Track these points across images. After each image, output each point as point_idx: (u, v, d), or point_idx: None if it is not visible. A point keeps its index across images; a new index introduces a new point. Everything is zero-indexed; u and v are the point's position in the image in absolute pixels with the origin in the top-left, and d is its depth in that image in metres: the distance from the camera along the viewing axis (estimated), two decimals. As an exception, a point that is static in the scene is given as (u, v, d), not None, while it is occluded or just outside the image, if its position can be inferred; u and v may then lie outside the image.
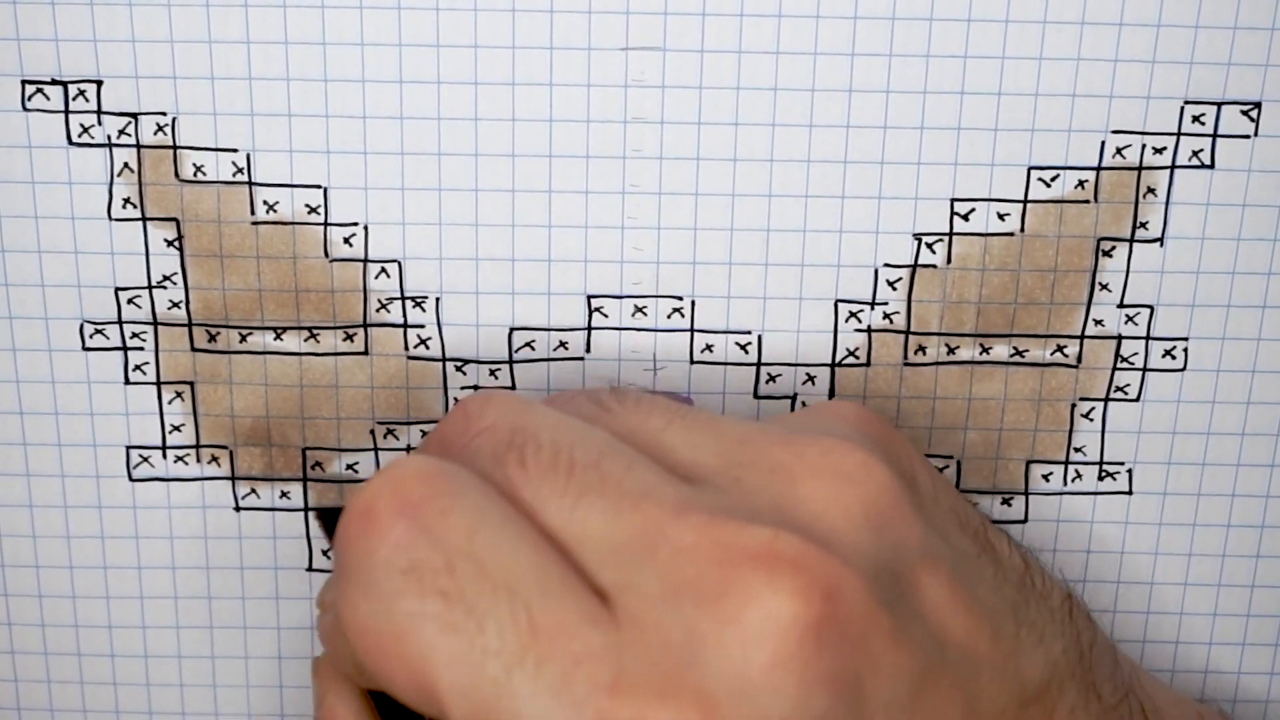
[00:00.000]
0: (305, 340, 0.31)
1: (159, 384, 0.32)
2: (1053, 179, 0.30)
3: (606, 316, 0.31)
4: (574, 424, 0.25)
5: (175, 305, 0.31)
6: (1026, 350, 0.31)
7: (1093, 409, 0.32)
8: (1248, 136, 0.30)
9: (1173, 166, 0.30)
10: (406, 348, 0.31)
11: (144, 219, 0.30)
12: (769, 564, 0.22)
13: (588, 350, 0.31)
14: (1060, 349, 0.31)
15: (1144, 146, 0.30)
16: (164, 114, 0.30)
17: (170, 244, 0.31)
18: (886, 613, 0.23)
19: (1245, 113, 0.30)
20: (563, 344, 0.31)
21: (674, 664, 0.21)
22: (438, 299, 0.31)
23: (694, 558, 0.22)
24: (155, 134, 0.30)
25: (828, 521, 0.23)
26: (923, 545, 0.24)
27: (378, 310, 0.31)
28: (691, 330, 0.31)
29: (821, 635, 0.22)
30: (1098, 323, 0.31)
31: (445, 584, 0.22)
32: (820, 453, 0.24)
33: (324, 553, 0.32)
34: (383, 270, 0.31)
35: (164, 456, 0.32)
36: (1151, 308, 0.31)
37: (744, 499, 0.24)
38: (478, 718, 0.22)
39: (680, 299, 0.31)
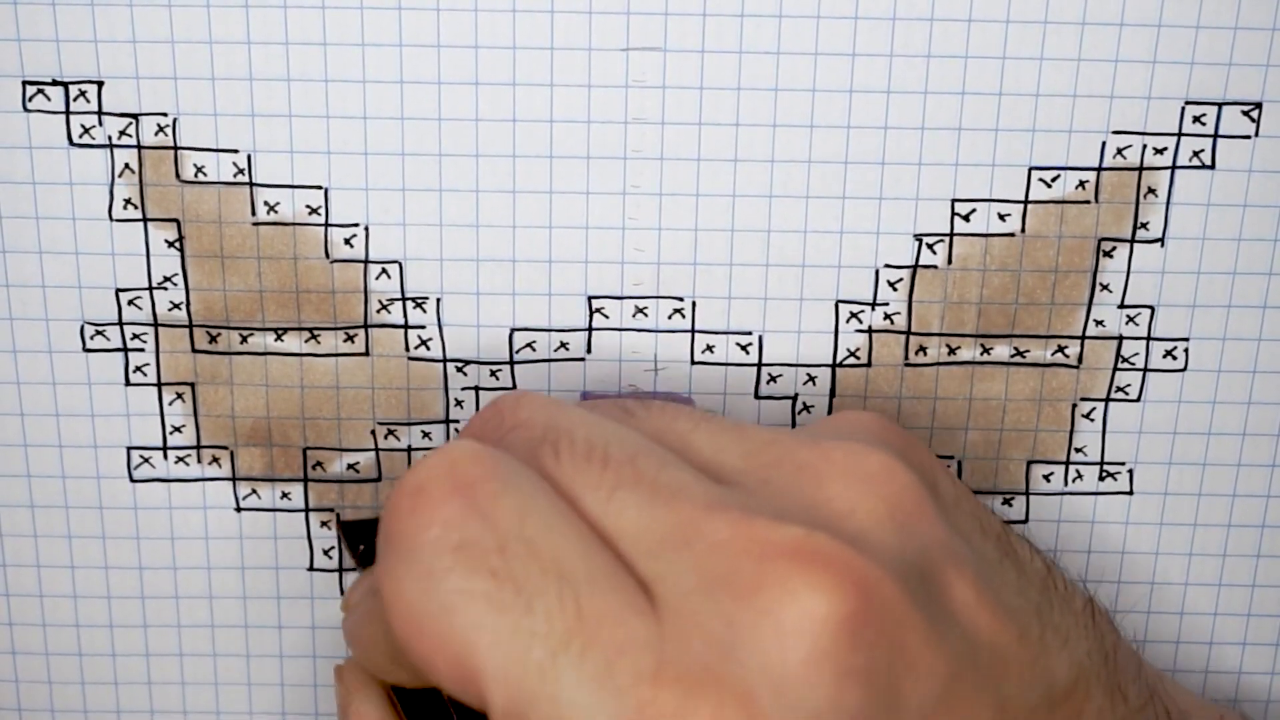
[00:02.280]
0: (306, 341, 0.31)
1: (160, 385, 0.32)
2: (1053, 179, 0.30)
3: (607, 317, 0.31)
4: (606, 423, 0.25)
5: (176, 306, 0.31)
6: (1027, 350, 0.31)
7: (1093, 409, 0.32)
8: (1248, 137, 0.30)
9: (1173, 167, 0.30)
10: (407, 348, 0.31)
11: (145, 220, 0.30)
12: (803, 560, 0.22)
13: (589, 351, 0.31)
14: (1061, 349, 0.31)
15: (1145, 147, 0.30)
16: (165, 115, 0.30)
17: (171, 245, 0.31)
18: (919, 611, 0.23)
19: (1246, 113, 0.30)
20: (563, 345, 0.31)
21: (714, 656, 0.22)
22: (438, 300, 0.31)
23: (728, 552, 0.22)
24: (156, 135, 0.30)
25: (855, 521, 0.24)
26: (947, 547, 0.24)
27: (378, 311, 0.31)
28: (692, 331, 0.31)
29: (856, 630, 0.22)
30: (1098, 323, 0.31)
31: (496, 563, 0.22)
32: (844, 454, 0.25)
33: (354, 558, 0.32)
34: (383, 271, 0.31)
35: (165, 457, 0.32)
36: (1152, 308, 0.31)
37: (773, 498, 0.24)
38: (517, 702, 0.22)
39: (681, 300, 0.31)
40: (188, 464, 0.32)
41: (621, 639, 0.22)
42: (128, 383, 0.32)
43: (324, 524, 0.33)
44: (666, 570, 0.23)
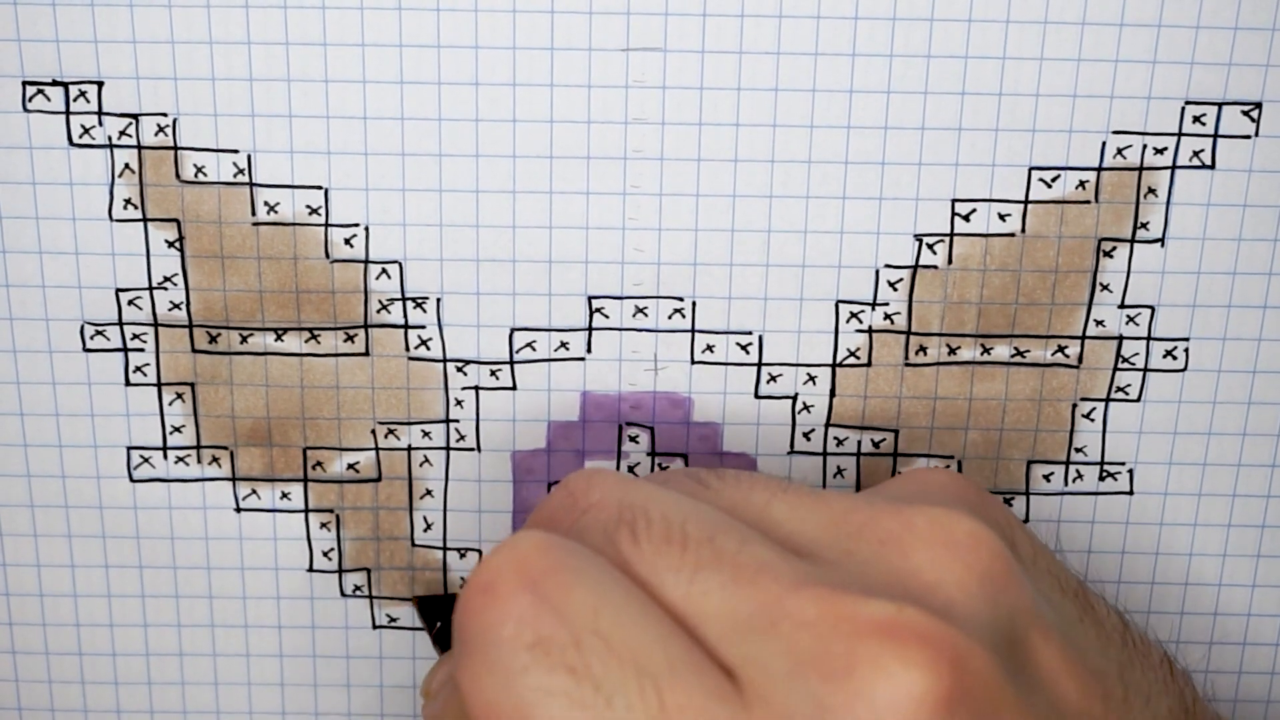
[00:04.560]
0: (306, 341, 0.31)
1: (159, 385, 0.32)
2: (1054, 179, 0.30)
3: (607, 317, 0.31)
4: (682, 499, 0.24)
5: (176, 306, 0.31)
6: (1027, 351, 0.31)
7: (1094, 409, 0.32)
8: (1248, 137, 0.30)
9: (1173, 167, 0.30)
10: (407, 348, 0.31)
11: (145, 220, 0.30)
12: (895, 637, 0.22)
13: (589, 351, 0.31)
14: (1061, 349, 0.31)
15: (1145, 147, 0.30)
16: (165, 115, 0.30)
17: (171, 245, 0.31)
18: (1011, 683, 0.22)
19: (1246, 113, 0.30)
20: (563, 344, 0.31)
21: None
22: (438, 300, 0.31)
23: (817, 632, 0.22)
24: (156, 135, 0.30)
25: (944, 592, 0.23)
26: (1034, 611, 0.24)
27: (378, 311, 0.31)
28: (692, 331, 0.31)
29: (953, 708, 0.21)
30: (1099, 323, 0.31)
31: (572, 660, 0.22)
32: (929, 522, 0.24)
33: (431, 635, 0.32)
34: (383, 271, 0.31)
35: (165, 457, 0.32)
36: (1152, 308, 0.31)
37: (858, 571, 0.23)
38: None
39: (681, 300, 0.31)
40: (188, 464, 0.32)
41: None
42: (128, 383, 0.32)
43: (324, 525, 0.33)
44: (753, 653, 0.22)
